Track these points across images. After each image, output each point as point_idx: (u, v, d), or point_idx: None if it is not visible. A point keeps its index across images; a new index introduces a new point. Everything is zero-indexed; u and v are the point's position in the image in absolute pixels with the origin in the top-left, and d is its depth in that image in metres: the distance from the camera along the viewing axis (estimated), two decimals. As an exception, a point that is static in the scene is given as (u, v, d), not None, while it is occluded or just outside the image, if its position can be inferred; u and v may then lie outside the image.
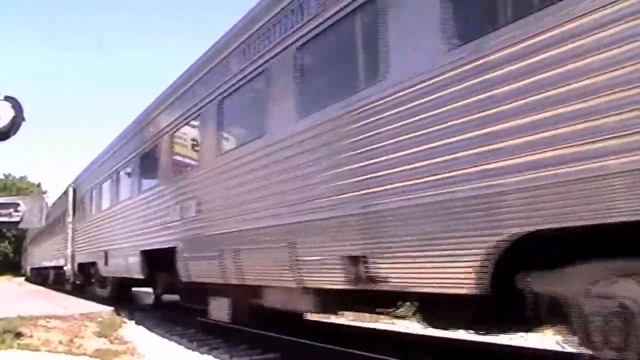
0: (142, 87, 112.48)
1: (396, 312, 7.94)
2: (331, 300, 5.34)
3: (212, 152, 7.14)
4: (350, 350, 5.73)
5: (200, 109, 7.52)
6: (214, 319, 7.69)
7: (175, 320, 9.66)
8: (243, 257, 6.20)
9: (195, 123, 7.86)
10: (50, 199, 26.31)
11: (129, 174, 11.21)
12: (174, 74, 9.03)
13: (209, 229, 7.02)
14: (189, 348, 7.35)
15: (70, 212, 16.90)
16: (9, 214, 7.80)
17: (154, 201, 9.25)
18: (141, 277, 10.03)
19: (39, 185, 58.19)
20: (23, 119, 7.29)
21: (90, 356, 6.61)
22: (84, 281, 16.24)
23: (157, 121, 9.57)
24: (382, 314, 8.09)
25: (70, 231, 16.79)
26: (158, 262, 9.24)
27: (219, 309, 7.43)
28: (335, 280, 4.70)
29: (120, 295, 13.17)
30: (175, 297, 10.47)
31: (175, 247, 8.08)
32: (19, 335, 7.46)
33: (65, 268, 17.44)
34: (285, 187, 5.39)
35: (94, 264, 13.87)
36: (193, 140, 8.08)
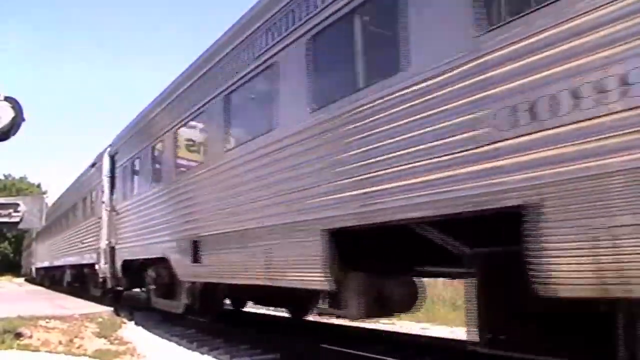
0: (141, 86, 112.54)
1: None
2: None
3: None
4: (350, 351, 5.74)
5: None
6: None
7: (175, 321, 9.66)
8: None
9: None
10: (50, 199, 26.30)
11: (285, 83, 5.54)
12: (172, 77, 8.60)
13: None
14: (189, 348, 7.35)
15: (107, 188, 12.16)
16: (9, 214, 7.82)
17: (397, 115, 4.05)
18: (325, 287, 4.80)
19: (39, 185, 58.13)
20: (23, 119, 7.31)
21: (90, 357, 6.61)
22: (129, 285, 11.59)
23: None
24: None
25: (105, 216, 12.17)
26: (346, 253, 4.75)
27: None
28: None
29: (208, 312, 8.67)
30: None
31: (522, 207, 3.07)
32: (19, 335, 7.45)
33: (97, 267, 12.86)
34: None
35: (159, 261, 9.01)
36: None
